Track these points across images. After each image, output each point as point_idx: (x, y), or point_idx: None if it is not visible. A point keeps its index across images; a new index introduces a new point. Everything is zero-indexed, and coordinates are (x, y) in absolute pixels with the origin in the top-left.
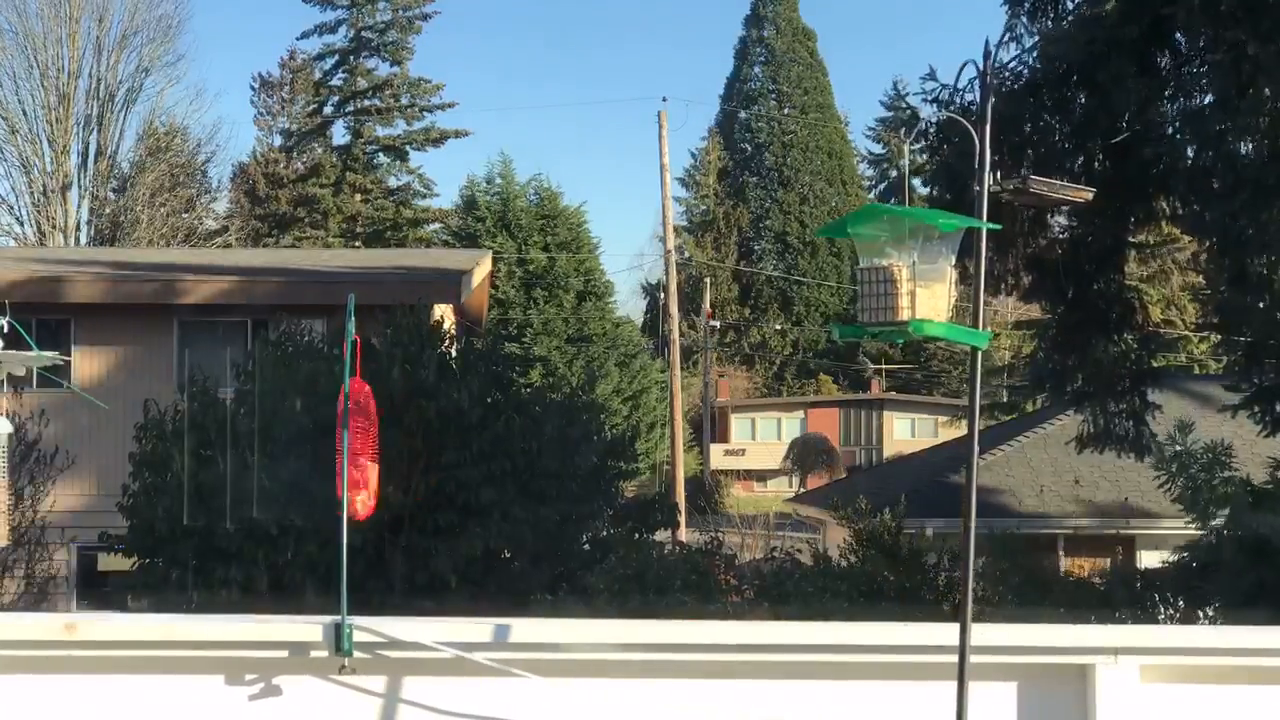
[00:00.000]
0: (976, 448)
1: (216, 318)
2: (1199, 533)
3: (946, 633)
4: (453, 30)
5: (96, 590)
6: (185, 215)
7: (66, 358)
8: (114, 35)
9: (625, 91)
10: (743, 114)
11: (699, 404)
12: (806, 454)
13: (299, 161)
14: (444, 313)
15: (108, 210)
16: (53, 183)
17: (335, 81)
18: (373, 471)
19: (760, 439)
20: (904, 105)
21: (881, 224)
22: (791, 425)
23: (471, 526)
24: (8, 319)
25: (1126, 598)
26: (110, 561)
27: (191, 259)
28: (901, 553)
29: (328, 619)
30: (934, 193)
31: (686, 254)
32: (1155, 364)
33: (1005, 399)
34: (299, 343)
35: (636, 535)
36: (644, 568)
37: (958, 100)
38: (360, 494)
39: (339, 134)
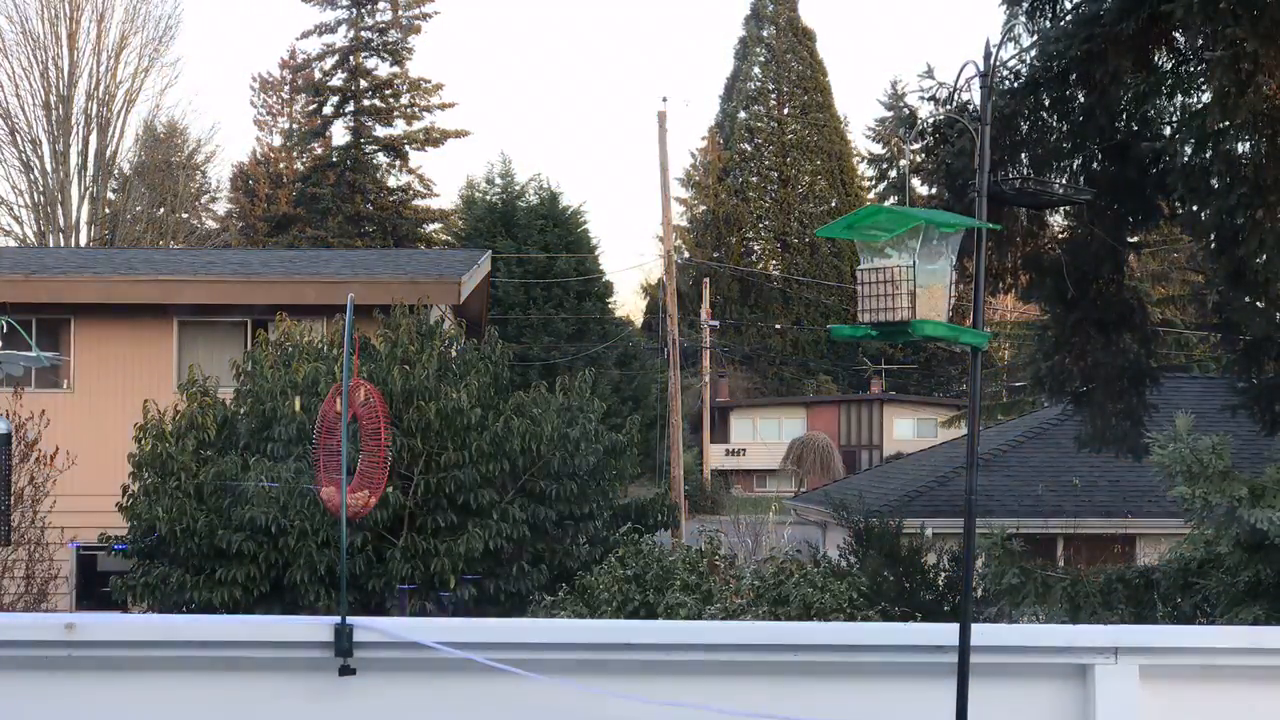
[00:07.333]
0: (976, 448)
1: (216, 318)
2: (1197, 530)
3: (946, 633)
4: (453, 30)
5: (96, 590)
6: (185, 215)
7: (66, 358)
8: (114, 35)
9: (625, 91)
10: (743, 114)
11: (699, 404)
12: (806, 454)
13: (299, 161)
14: (444, 313)
15: (108, 210)
16: (53, 183)
17: (335, 81)
18: (381, 472)
19: (761, 439)
20: (903, 105)
21: (881, 224)
22: (792, 425)
23: (471, 527)
24: (7, 319)
25: (1126, 597)
26: (110, 561)
27: (191, 259)
28: (901, 553)
29: (328, 619)
30: (934, 192)
31: (686, 254)
32: (1154, 364)
33: (1005, 399)
34: (299, 343)
35: (637, 535)
36: (644, 568)
37: (956, 99)
38: (362, 493)
39: (339, 134)
